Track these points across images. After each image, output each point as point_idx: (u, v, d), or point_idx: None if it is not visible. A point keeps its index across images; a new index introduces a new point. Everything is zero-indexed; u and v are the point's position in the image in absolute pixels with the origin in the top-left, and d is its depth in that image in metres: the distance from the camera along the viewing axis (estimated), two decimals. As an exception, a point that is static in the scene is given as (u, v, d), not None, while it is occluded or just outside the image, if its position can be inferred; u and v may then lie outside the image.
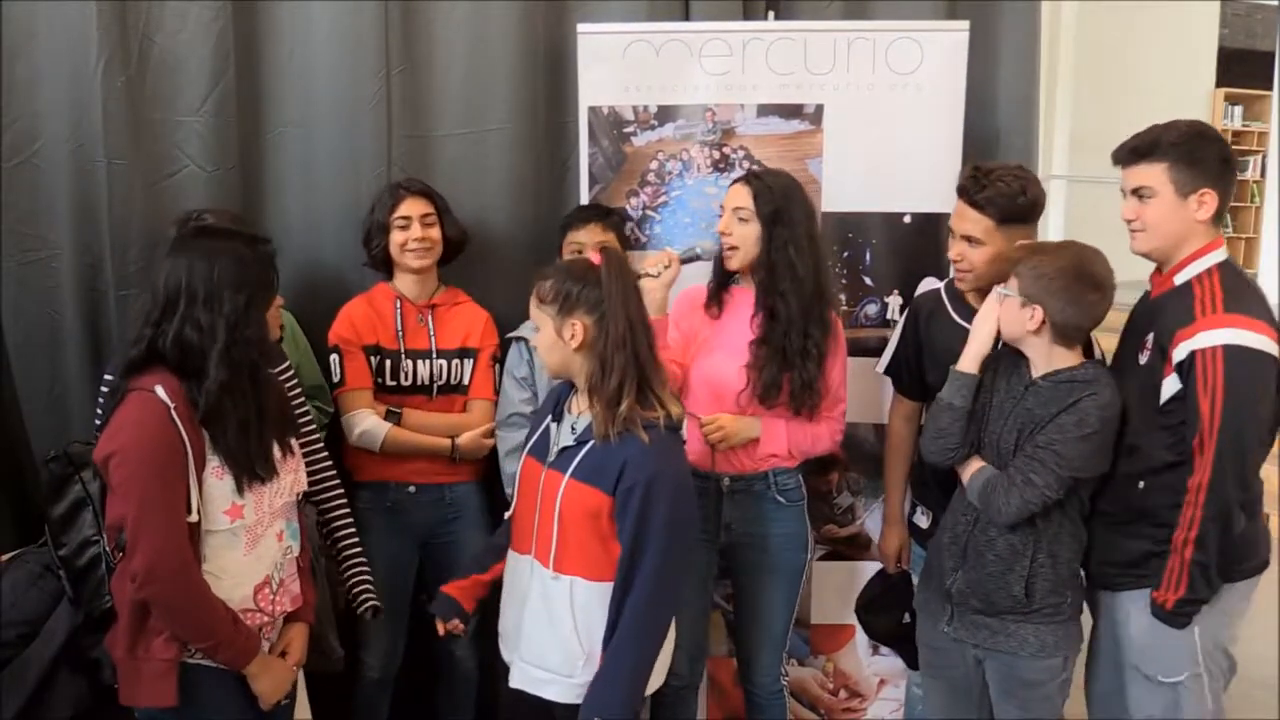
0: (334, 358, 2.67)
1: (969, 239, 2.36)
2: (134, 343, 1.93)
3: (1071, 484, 2.12)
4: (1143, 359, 2.15)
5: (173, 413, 1.86)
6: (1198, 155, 2.08)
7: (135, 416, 1.87)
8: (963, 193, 2.37)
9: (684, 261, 2.48)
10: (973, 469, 2.23)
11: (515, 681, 2.10)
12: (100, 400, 2.32)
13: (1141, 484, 2.14)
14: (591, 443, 2.01)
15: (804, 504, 2.61)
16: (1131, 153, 2.15)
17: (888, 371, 2.69)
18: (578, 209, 2.80)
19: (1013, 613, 2.19)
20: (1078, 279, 2.08)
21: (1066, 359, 2.15)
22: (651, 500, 1.96)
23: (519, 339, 2.70)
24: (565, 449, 2.06)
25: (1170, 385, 2.07)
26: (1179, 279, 2.13)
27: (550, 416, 2.13)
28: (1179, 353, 2.04)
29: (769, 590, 2.60)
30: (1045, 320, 2.10)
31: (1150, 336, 2.14)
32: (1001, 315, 2.18)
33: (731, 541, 2.58)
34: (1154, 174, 2.11)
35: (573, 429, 2.08)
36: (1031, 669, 2.21)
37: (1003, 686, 2.27)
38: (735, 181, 2.51)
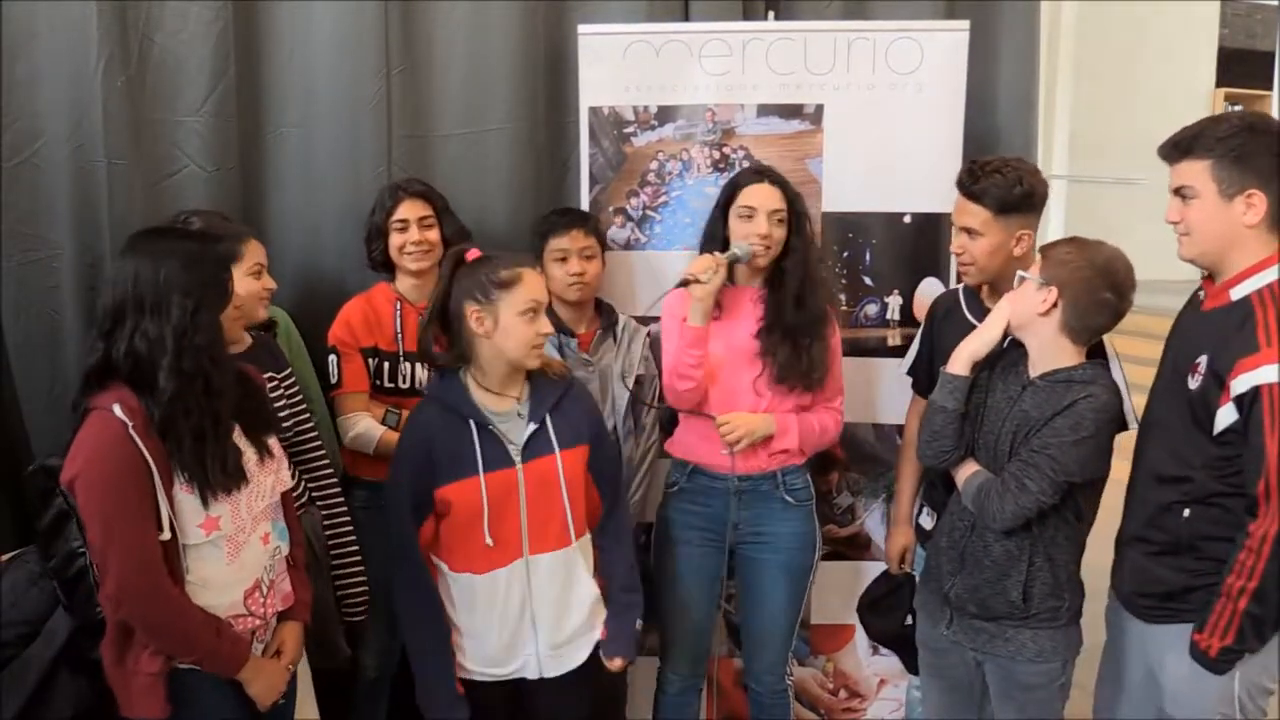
0: (332, 358, 2.67)
1: (968, 231, 2.34)
2: (88, 354, 1.88)
3: (1067, 488, 2.09)
4: (1193, 383, 1.95)
5: (131, 431, 1.80)
6: (1245, 151, 1.88)
7: (94, 438, 1.82)
8: (960, 186, 2.36)
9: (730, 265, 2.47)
10: (967, 472, 2.22)
11: (550, 671, 2.16)
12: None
13: (1187, 512, 1.98)
14: (547, 414, 2.13)
15: (812, 504, 2.62)
16: (1174, 148, 1.97)
17: (910, 371, 2.67)
18: (556, 214, 2.75)
19: (1010, 618, 2.17)
20: (1100, 275, 2.06)
21: (1068, 356, 2.13)
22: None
23: None
24: (533, 434, 2.11)
25: (1226, 416, 1.88)
26: (1235, 293, 1.93)
27: (475, 429, 2.09)
28: (1239, 384, 1.84)
29: (776, 590, 2.60)
30: (1058, 303, 2.08)
31: (1204, 360, 1.93)
32: (1016, 299, 2.16)
33: (739, 541, 2.59)
34: (1196, 172, 1.93)
35: (520, 415, 2.13)
36: (1029, 673, 2.20)
37: (1001, 689, 2.26)
38: (756, 181, 2.48)
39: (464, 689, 2.16)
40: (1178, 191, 1.97)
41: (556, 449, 2.11)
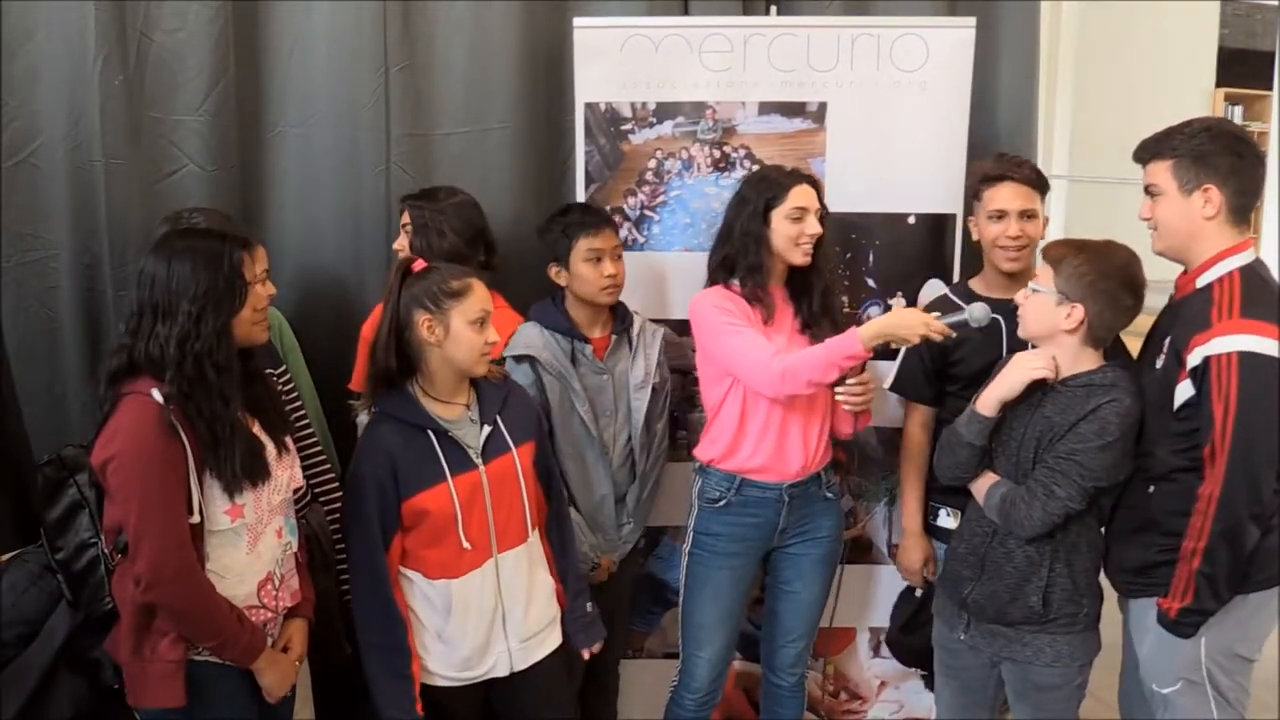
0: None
1: (1025, 214, 2.45)
2: (114, 353, 1.92)
3: (1093, 494, 2.10)
4: (1158, 363, 2.12)
5: (170, 414, 1.85)
6: (1203, 152, 2.05)
7: (130, 420, 1.86)
8: (1007, 175, 2.47)
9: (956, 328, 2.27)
10: (986, 484, 2.21)
11: (520, 664, 2.20)
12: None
13: (1151, 489, 2.11)
14: (497, 415, 2.18)
15: (839, 499, 2.65)
16: (1144, 150, 2.14)
17: (893, 388, 2.65)
18: (584, 214, 2.63)
19: (1028, 623, 2.18)
20: (1119, 282, 2.07)
21: (1091, 361, 2.14)
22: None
23: (525, 358, 2.54)
24: (489, 436, 2.15)
25: (1184, 391, 2.02)
26: (1200, 282, 2.09)
27: (435, 437, 2.10)
28: (1193, 358, 1.99)
29: (814, 582, 2.62)
30: (1084, 321, 2.09)
31: (1167, 341, 2.10)
32: (1028, 311, 2.16)
33: (781, 545, 2.58)
34: (1161, 171, 2.10)
35: (472, 420, 2.16)
36: (1047, 675, 2.20)
37: (1018, 689, 2.27)
38: (798, 182, 2.44)
39: (434, 698, 2.16)
40: (1148, 190, 2.14)
41: (513, 447, 2.17)
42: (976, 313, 2.22)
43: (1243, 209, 2.08)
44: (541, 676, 2.24)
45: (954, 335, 2.25)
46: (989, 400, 2.17)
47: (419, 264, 2.14)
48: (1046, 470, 2.10)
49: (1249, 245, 2.08)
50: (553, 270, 2.57)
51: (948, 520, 2.60)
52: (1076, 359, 2.14)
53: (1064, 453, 2.09)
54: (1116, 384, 2.10)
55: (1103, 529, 2.22)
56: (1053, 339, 2.14)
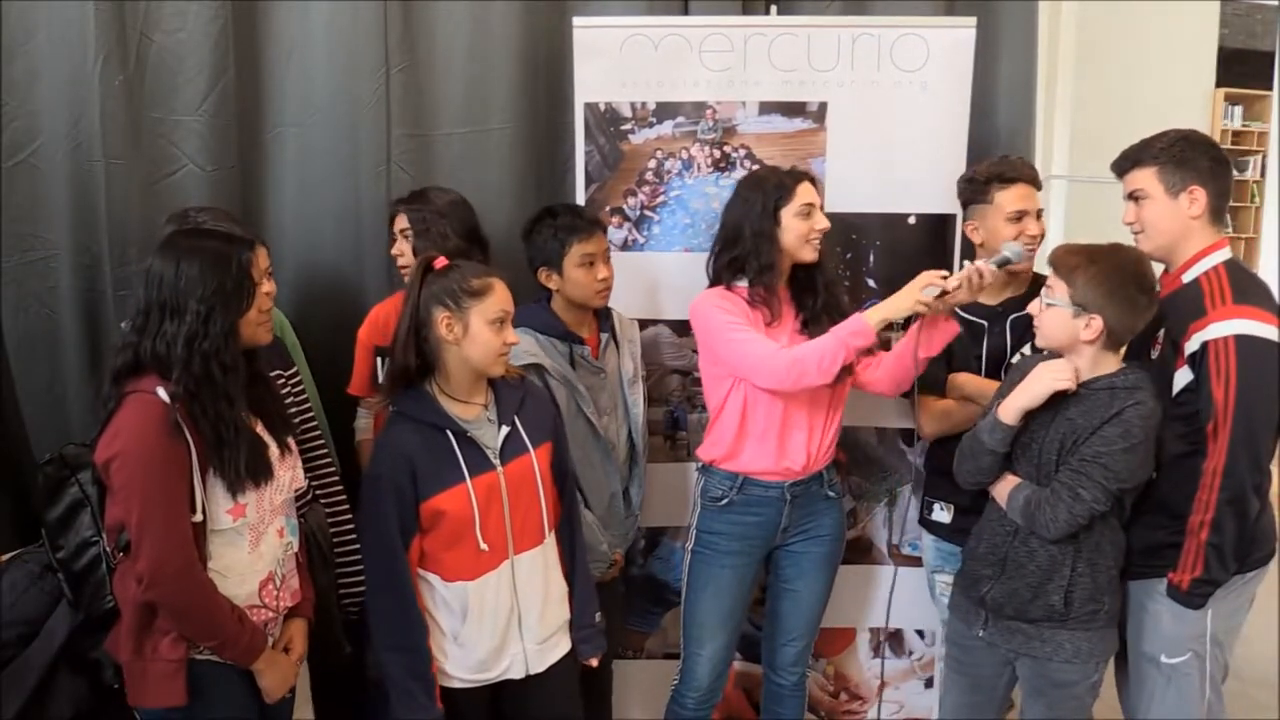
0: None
1: (1038, 214, 2.54)
2: (119, 351, 1.93)
3: (1118, 495, 2.11)
4: (1154, 354, 2.22)
5: (175, 413, 1.85)
6: (1185, 156, 2.19)
7: (135, 419, 1.86)
8: (1020, 176, 2.52)
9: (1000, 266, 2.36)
10: (1008, 487, 2.21)
11: (536, 667, 2.18)
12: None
13: (1155, 475, 2.17)
14: (515, 416, 2.16)
15: (841, 498, 2.65)
16: (1124, 160, 2.27)
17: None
18: (574, 217, 2.57)
19: (1049, 620, 2.18)
20: (1134, 285, 2.08)
21: (1111, 364, 2.14)
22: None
23: (532, 367, 2.47)
24: (507, 437, 2.14)
25: (1182, 377, 2.13)
26: (1186, 277, 2.20)
27: (454, 437, 2.08)
28: (1191, 344, 2.11)
29: (816, 581, 2.62)
30: (1104, 329, 2.09)
31: (1161, 332, 2.20)
32: (1046, 324, 2.16)
33: (783, 543, 2.59)
34: (1145, 177, 2.22)
35: (490, 420, 2.15)
36: (1063, 671, 2.21)
37: (1032, 685, 2.27)
38: (802, 180, 2.44)
39: (448, 699, 2.15)
40: (1131, 196, 2.26)
41: (531, 448, 2.16)
42: (1015, 247, 2.38)
43: (1220, 210, 2.22)
44: (555, 679, 2.23)
45: (936, 298, 2.28)
46: (1011, 409, 2.18)
47: (440, 261, 2.12)
48: (1071, 473, 2.11)
49: (1226, 243, 2.22)
50: (542, 274, 2.55)
51: (942, 514, 2.63)
52: (1096, 363, 2.14)
53: (1089, 455, 2.09)
54: (1139, 386, 2.11)
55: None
56: (1073, 348, 2.14)
